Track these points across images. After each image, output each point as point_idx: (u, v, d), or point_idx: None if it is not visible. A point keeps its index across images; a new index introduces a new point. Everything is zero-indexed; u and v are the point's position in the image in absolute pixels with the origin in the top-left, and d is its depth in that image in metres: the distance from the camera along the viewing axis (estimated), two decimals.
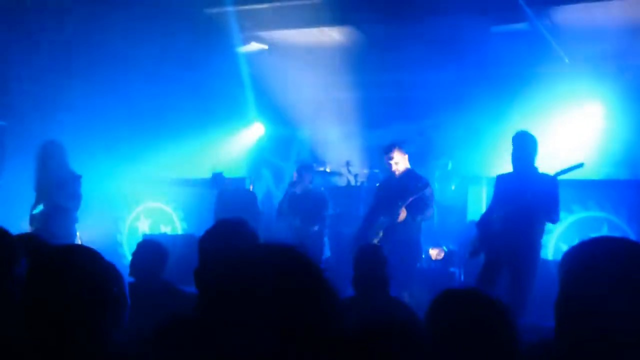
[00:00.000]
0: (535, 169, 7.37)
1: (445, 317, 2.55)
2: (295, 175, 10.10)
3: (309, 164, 10.28)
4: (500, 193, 7.55)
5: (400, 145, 8.59)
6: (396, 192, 8.28)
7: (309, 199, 9.91)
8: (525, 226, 7.17)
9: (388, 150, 8.52)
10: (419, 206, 8.24)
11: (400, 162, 8.47)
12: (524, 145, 7.34)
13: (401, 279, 7.20)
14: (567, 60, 10.42)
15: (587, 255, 2.25)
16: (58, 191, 8.70)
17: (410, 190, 8.16)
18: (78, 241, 8.46)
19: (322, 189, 10.60)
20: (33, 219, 8.72)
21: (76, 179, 8.85)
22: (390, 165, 8.49)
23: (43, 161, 8.71)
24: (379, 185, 9.02)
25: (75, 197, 8.90)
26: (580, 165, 7.47)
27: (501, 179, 7.63)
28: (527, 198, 7.08)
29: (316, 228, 9.84)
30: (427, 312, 2.61)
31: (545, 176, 7.31)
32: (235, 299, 2.17)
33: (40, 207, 8.79)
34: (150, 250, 5.80)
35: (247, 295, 2.16)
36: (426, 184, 8.32)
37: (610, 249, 2.24)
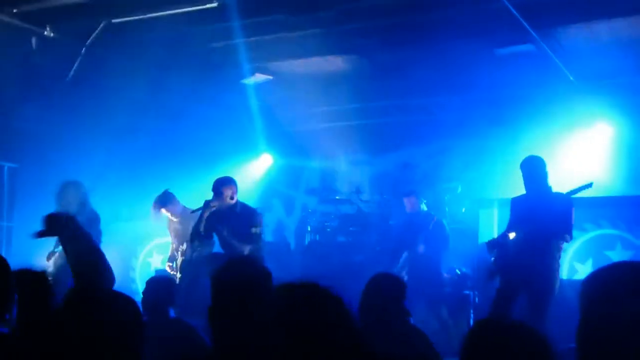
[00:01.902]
0: (549, 189, 7.40)
1: (486, 349, 2.37)
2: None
3: (226, 178, 8.62)
4: (515, 216, 7.59)
5: (417, 194, 10.04)
6: (413, 230, 9.71)
7: (232, 216, 8.26)
8: (542, 247, 7.18)
9: (407, 195, 10.08)
10: (436, 241, 9.69)
11: (415, 204, 10.02)
12: (533, 169, 7.42)
13: (431, 302, 9.17)
14: (572, 79, 10.39)
15: (607, 282, 2.21)
16: None
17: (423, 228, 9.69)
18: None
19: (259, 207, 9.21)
20: (54, 256, 8.76)
21: (98, 219, 8.90)
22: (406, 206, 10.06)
23: (65, 200, 8.76)
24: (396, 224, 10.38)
25: (98, 237, 8.96)
26: (589, 185, 7.56)
27: (515, 202, 7.65)
28: (541, 219, 7.12)
29: (247, 250, 8.12)
30: (465, 342, 2.47)
31: (559, 196, 7.36)
32: (255, 337, 2.17)
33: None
34: (160, 287, 5.76)
35: (268, 334, 2.16)
36: (436, 222, 9.79)
37: (630, 273, 2.21)
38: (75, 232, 3.37)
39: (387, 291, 4.92)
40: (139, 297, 6.94)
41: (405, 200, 10.07)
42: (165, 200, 9.52)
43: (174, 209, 9.54)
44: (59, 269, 8.34)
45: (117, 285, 3.38)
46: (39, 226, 3.43)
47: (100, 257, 3.36)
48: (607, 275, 2.24)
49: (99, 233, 8.92)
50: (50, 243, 8.89)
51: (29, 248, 9.45)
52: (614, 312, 2.10)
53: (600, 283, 2.23)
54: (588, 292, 2.23)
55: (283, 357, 2.14)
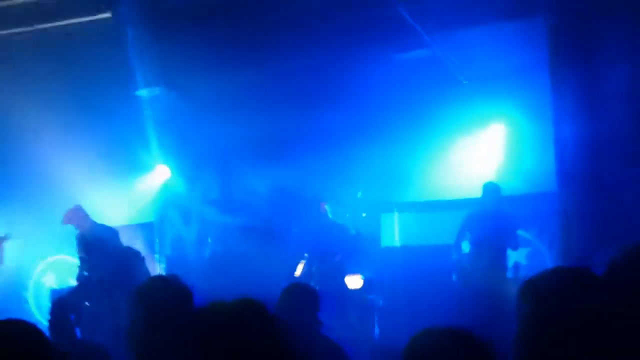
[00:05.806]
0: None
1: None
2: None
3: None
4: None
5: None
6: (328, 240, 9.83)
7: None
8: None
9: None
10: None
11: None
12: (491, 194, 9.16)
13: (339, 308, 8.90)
14: (465, 82, 10.57)
15: (547, 289, 2.20)
16: None
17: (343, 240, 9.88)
18: None
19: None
20: None
21: None
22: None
23: None
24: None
25: None
26: None
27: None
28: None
29: None
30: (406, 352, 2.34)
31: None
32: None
33: None
34: (66, 309, 5.51)
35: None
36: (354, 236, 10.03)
37: (567, 280, 2.21)
38: None
39: (302, 302, 4.87)
40: (34, 318, 6.71)
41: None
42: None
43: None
44: None
45: (9, 307, 3.23)
46: None
47: None
48: (547, 284, 2.23)
49: None
50: None
51: None
52: (558, 320, 2.10)
53: (540, 291, 2.22)
54: (528, 302, 2.21)
55: None
